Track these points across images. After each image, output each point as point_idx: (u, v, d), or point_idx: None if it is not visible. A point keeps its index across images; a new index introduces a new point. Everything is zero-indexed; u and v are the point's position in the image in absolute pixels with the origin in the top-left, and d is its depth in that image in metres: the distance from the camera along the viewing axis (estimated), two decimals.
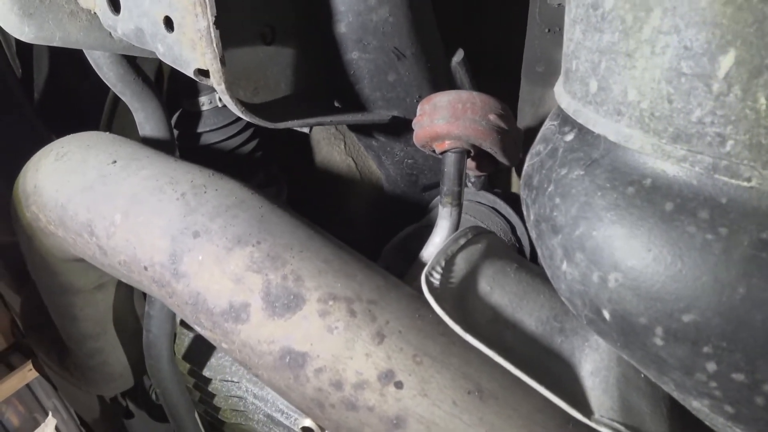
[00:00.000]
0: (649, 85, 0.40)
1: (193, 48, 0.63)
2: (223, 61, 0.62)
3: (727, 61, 0.36)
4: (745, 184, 0.38)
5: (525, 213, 0.55)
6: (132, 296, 1.11)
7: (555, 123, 0.52)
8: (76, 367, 1.17)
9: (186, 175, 0.74)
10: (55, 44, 0.77)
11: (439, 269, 0.64)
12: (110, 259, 0.74)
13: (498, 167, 0.86)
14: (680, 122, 0.39)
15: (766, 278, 0.37)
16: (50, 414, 2.18)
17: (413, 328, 0.60)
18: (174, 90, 1.06)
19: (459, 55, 0.90)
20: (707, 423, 0.48)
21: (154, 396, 1.35)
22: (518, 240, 0.98)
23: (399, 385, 0.57)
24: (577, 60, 0.47)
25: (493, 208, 1.00)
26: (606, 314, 0.45)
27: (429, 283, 0.62)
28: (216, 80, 0.64)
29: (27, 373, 2.16)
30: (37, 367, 1.96)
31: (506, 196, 1.00)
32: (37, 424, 2.25)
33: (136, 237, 0.70)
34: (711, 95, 0.37)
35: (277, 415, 0.95)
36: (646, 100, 0.41)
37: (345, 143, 1.13)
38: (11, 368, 2.19)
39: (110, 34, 0.79)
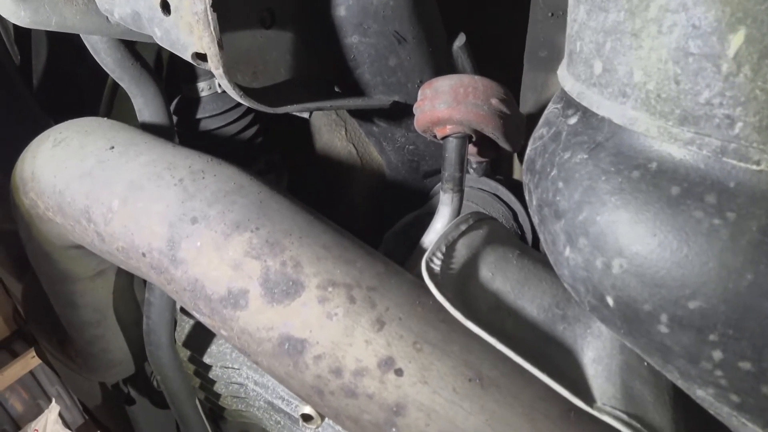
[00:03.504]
0: (656, 65, 0.39)
1: (190, 32, 0.62)
2: (221, 45, 0.61)
3: (737, 40, 0.35)
4: (754, 167, 0.37)
5: (527, 198, 0.54)
6: (132, 283, 1.11)
7: (558, 106, 0.51)
8: (78, 353, 1.17)
9: (184, 161, 0.73)
10: (51, 29, 0.76)
11: (439, 255, 0.63)
12: (108, 245, 0.74)
13: (500, 153, 0.85)
14: (688, 104, 0.38)
15: None
16: (53, 400, 2.19)
17: (413, 315, 0.60)
18: (174, 76, 1.05)
19: (461, 40, 0.89)
20: (711, 412, 0.47)
21: (155, 383, 1.35)
22: (520, 227, 0.97)
23: (399, 372, 0.57)
24: (581, 41, 0.46)
25: (494, 194, 0.99)
26: (610, 301, 0.44)
27: (429, 270, 0.61)
28: (214, 64, 0.62)
29: (30, 360, 2.17)
30: (40, 355, 1.96)
31: (508, 183, 1.00)
32: (40, 411, 2.26)
33: (134, 223, 0.69)
34: (720, 75, 0.36)
35: (278, 402, 0.95)
36: (653, 81, 0.39)
37: (346, 129, 1.11)
38: (14, 355, 2.20)
39: (107, 18, 0.78)
